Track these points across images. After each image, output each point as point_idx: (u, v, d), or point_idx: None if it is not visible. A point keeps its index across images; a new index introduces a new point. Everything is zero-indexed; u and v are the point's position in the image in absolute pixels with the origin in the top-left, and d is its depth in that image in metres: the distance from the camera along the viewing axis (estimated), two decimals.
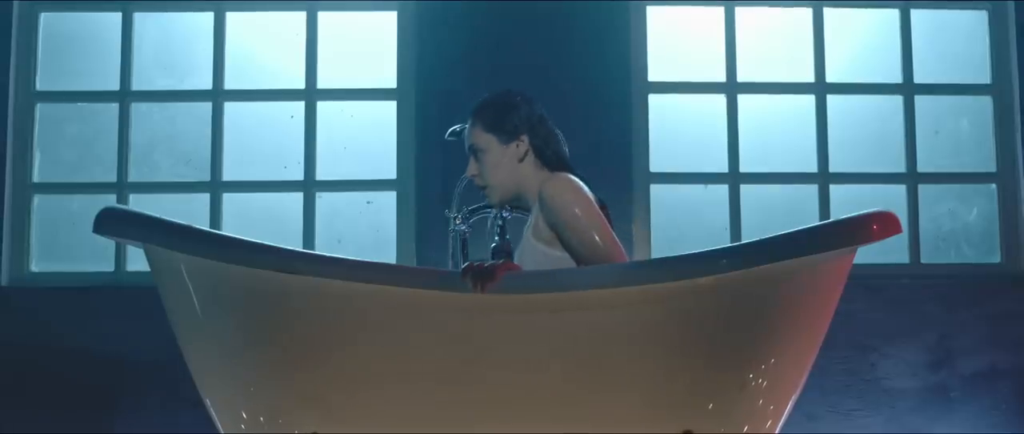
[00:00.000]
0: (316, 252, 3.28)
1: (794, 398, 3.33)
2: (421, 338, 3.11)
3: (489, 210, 3.63)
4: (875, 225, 3.10)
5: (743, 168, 5.15)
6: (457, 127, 3.70)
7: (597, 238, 3.12)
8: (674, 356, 3.15)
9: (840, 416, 4.87)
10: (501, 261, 3.03)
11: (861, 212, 3.21)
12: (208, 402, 3.31)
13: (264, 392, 3.21)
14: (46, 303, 4.89)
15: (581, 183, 3.22)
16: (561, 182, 3.19)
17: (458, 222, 3.68)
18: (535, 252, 3.19)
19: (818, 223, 3.32)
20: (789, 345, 3.26)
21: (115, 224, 3.20)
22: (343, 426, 3.12)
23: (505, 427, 3.12)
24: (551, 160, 3.32)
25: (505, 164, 3.32)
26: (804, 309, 3.26)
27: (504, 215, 3.59)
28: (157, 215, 3.22)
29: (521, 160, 3.31)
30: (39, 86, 5.14)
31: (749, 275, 3.09)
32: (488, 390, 3.12)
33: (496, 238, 3.58)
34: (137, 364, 4.82)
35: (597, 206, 3.18)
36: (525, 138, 3.31)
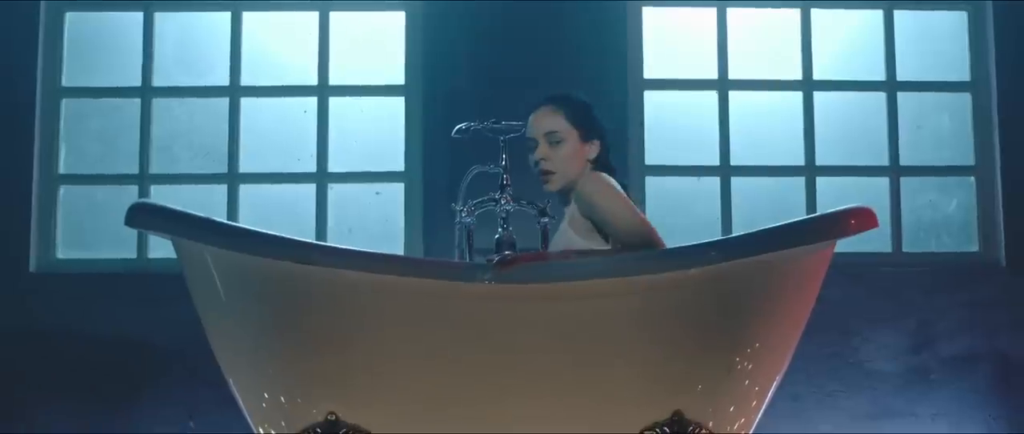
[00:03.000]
0: (332, 245, 3.38)
1: (778, 380, 3.42)
2: (432, 324, 3.18)
3: (493, 203, 3.72)
4: (852, 220, 3.22)
5: (734, 161, 5.19)
6: (464, 125, 3.79)
7: (636, 222, 3.24)
8: (667, 341, 3.23)
9: (824, 397, 4.93)
10: (520, 253, 3.17)
11: (839, 208, 3.32)
12: (231, 382, 3.38)
13: (284, 374, 3.28)
14: (72, 288, 4.94)
15: (611, 179, 3.35)
16: (595, 179, 3.32)
17: (464, 215, 3.76)
18: (572, 243, 3.31)
19: (799, 219, 3.40)
20: (773, 330, 3.34)
21: (146, 217, 3.25)
22: (359, 406, 3.20)
23: (510, 406, 3.21)
24: (597, 166, 3.44)
25: (577, 159, 3.42)
26: (787, 297, 3.34)
27: (508, 208, 3.69)
28: (183, 209, 3.28)
29: (589, 160, 3.43)
30: (64, 82, 5.18)
31: (736, 266, 3.17)
32: (495, 372, 3.20)
33: (500, 229, 3.66)
34: (158, 346, 4.88)
35: (626, 197, 3.29)
36: (598, 144, 3.44)
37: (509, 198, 3.64)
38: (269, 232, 3.25)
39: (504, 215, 3.66)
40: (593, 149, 3.45)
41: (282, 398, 3.29)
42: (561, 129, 3.42)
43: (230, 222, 3.69)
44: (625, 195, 3.30)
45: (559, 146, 3.42)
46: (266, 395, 3.32)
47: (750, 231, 3.29)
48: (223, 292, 3.30)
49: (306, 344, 3.26)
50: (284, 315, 3.26)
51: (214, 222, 3.39)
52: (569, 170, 3.42)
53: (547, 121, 3.45)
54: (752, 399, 3.38)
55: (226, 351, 3.40)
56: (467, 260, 3.73)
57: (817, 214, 3.63)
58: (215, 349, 3.42)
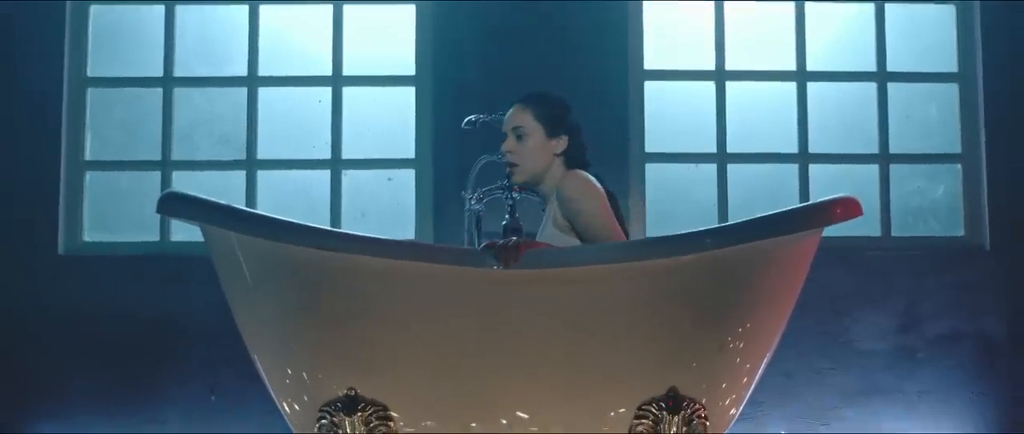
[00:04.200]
0: (350, 232, 3.50)
1: (768, 358, 3.53)
2: (445, 306, 3.29)
3: (501, 192, 3.85)
4: (838, 209, 3.31)
5: (730, 149, 5.23)
6: (473, 117, 3.93)
7: (603, 229, 3.41)
8: (663, 322, 3.33)
9: (815, 374, 4.98)
10: (523, 239, 3.31)
11: (826, 198, 3.43)
12: (256, 359, 3.49)
13: (306, 352, 3.38)
14: (98, 269, 5.02)
15: (594, 180, 3.49)
16: (578, 180, 3.48)
17: (473, 202, 3.89)
18: (555, 238, 3.45)
19: (788, 208, 3.51)
20: (763, 312, 3.45)
21: (176, 205, 3.36)
22: (377, 382, 3.31)
23: (516, 382, 3.33)
24: (572, 161, 3.59)
25: (542, 153, 3.57)
26: (777, 280, 3.45)
27: (515, 196, 3.80)
28: (209, 197, 3.38)
29: (555, 155, 3.58)
30: (90, 72, 5.22)
31: (729, 252, 3.27)
32: (501, 351, 3.30)
33: (507, 217, 3.80)
34: (180, 324, 4.96)
35: (606, 200, 3.45)
36: (565, 139, 3.59)
37: (516, 187, 3.79)
38: (291, 220, 3.32)
39: (511, 203, 3.79)
40: (560, 144, 3.58)
41: (304, 374, 3.39)
42: (527, 125, 3.58)
43: (255, 210, 3.79)
44: (602, 195, 3.45)
45: (524, 140, 3.58)
46: (289, 371, 3.41)
47: (743, 220, 3.36)
48: (249, 275, 3.40)
49: (327, 324, 3.35)
50: (306, 297, 3.35)
51: (240, 210, 3.48)
52: (533, 163, 3.58)
53: (516, 117, 3.62)
54: (743, 376, 3.48)
55: (251, 330, 3.50)
56: (476, 244, 3.86)
57: (805, 204, 3.72)
58: (241, 327, 3.51)
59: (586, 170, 3.59)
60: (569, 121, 3.65)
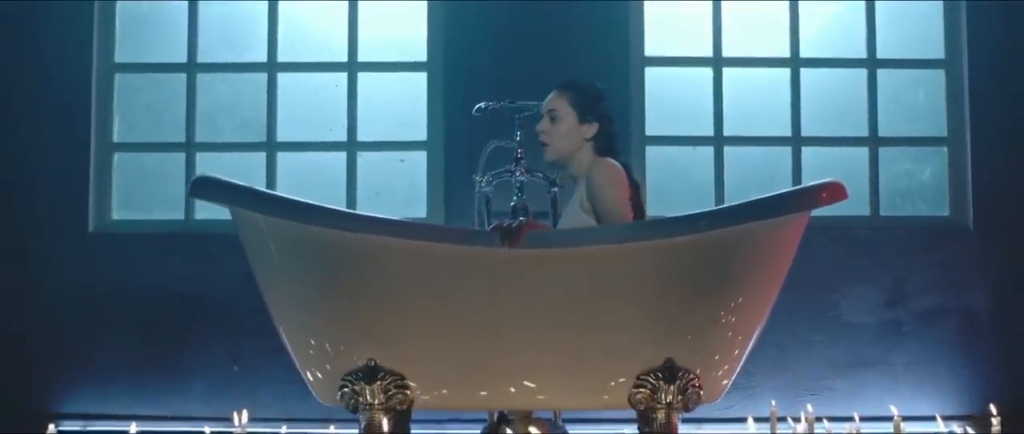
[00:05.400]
0: (369, 214, 3.62)
1: (758, 331, 3.63)
2: (456, 282, 3.40)
3: (508, 175, 3.98)
4: (824, 193, 3.37)
5: (727, 132, 5.31)
6: (482, 104, 4.05)
7: (616, 217, 3.61)
8: (660, 298, 3.45)
9: (806, 346, 5.07)
10: (527, 220, 3.47)
11: (813, 183, 3.53)
12: (281, 330, 3.58)
13: (329, 325, 3.49)
14: (126, 246, 5.15)
15: (621, 171, 3.67)
16: (606, 169, 3.68)
17: (483, 185, 4.01)
18: (579, 218, 3.64)
19: (778, 192, 3.62)
20: (754, 288, 3.55)
21: (207, 189, 3.45)
22: (395, 354, 3.43)
23: (524, 354, 3.46)
24: (601, 148, 3.77)
25: (573, 136, 3.75)
26: (767, 259, 3.55)
27: (522, 179, 3.92)
28: (236, 181, 3.46)
29: (585, 140, 3.76)
30: (117, 59, 5.33)
31: (722, 233, 3.38)
32: (511, 325, 3.42)
33: (515, 197, 3.90)
34: (205, 298, 5.08)
35: (627, 192, 3.64)
36: (596, 126, 3.76)
37: (523, 170, 3.89)
38: (314, 203, 3.43)
39: (518, 185, 3.88)
40: (590, 129, 3.75)
41: (327, 346, 3.51)
42: (560, 109, 3.75)
43: (279, 193, 3.91)
44: (626, 187, 3.64)
45: (557, 123, 3.75)
46: (313, 343, 3.53)
47: (735, 203, 3.50)
48: (274, 253, 3.50)
49: (348, 299, 3.45)
50: (328, 274, 3.45)
51: (266, 194, 3.63)
52: (564, 145, 3.75)
53: (552, 101, 3.79)
54: (735, 348, 3.59)
55: (277, 304, 3.59)
56: (486, 223, 3.99)
57: (793, 188, 3.81)
58: (267, 301, 3.60)
59: (616, 158, 3.76)
60: (601, 109, 3.82)
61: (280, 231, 3.48)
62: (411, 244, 3.39)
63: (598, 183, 3.67)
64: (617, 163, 3.72)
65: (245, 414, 4.02)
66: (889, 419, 3.90)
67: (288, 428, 3.65)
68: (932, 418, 4.15)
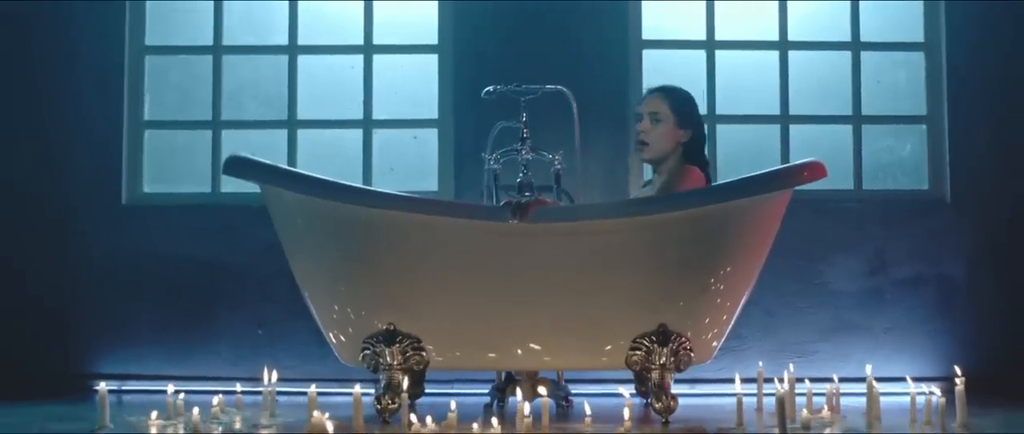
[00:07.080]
0: (387, 191, 3.76)
1: (745, 298, 3.84)
2: (469, 254, 3.59)
3: (515, 153, 4.12)
4: (805, 172, 3.60)
5: (719, 111, 5.37)
6: (491, 88, 4.17)
7: None
8: (655, 268, 3.65)
9: (793, 312, 5.17)
10: (536, 196, 3.65)
11: (795, 162, 3.71)
12: (306, 296, 3.79)
13: (351, 291, 3.69)
14: (157, 218, 5.26)
15: (702, 181, 3.91)
16: (691, 179, 3.92)
17: (492, 162, 4.15)
18: None
19: (762, 171, 3.76)
20: (741, 258, 3.76)
21: (239, 168, 3.68)
22: (413, 318, 3.63)
23: (529, 318, 3.64)
24: (691, 154, 4.02)
25: (669, 138, 4.04)
26: (752, 232, 3.75)
27: (528, 156, 4.05)
28: (266, 161, 3.69)
29: (679, 143, 4.01)
30: (148, 42, 5.44)
31: (711, 209, 3.60)
32: (518, 292, 3.62)
33: (521, 174, 4.05)
34: (231, 266, 5.20)
35: None
36: (690, 132, 4.02)
37: (529, 149, 4.03)
38: (337, 180, 3.63)
39: (524, 162, 4.04)
40: (685, 135, 4.02)
41: (349, 311, 3.70)
42: (662, 112, 4.03)
43: (304, 171, 4.04)
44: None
45: (658, 125, 4.01)
46: (336, 308, 3.71)
47: (723, 181, 3.65)
48: (301, 226, 3.70)
49: (369, 268, 3.64)
50: (351, 245, 3.64)
51: (293, 172, 3.78)
52: (661, 145, 4.04)
53: (653, 103, 4.05)
54: (723, 313, 3.79)
55: (303, 272, 3.79)
56: (495, 198, 4.14)
57: (777, 167, 3.95)
58: (294, 270, 3.80)
59: (704, 169, 4.00)
60: (696, 116, 4.09)
61: (306, 206, 3.65)
62: (429, 219, 3.58)
63: (676, 186, 3.91)
64: (701, 173, 3.95)
65: (275, 374, 4.21)
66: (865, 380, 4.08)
67: (316, 387, 3.82)
68: (904, 379, 4.27)
